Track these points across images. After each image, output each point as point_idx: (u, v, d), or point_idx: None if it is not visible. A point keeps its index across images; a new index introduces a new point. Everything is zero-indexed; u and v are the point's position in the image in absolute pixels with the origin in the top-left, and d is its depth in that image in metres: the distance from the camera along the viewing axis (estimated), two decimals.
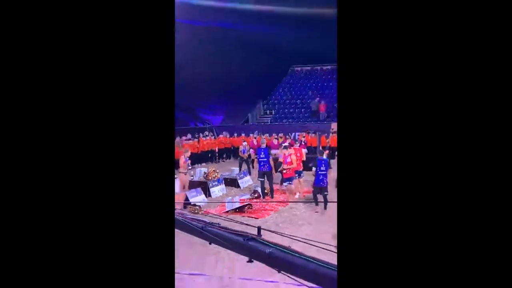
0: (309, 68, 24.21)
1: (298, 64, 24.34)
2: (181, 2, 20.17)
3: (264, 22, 22.15)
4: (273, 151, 10.49)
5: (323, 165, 8.04)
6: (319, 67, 23.77)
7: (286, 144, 10.38)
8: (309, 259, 1.73)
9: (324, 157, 8.49)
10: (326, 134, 14.75)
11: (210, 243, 2.28)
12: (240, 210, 8.14)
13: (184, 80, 17.46)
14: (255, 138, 14.62)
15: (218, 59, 21.45)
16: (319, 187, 7.88)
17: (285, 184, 8.61)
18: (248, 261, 2.14)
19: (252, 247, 2.01)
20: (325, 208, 7.77)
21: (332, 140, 14.25)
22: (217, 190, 9.95)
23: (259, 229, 2.15)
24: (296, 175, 9.06)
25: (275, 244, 1.93)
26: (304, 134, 14.86)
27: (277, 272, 1.90)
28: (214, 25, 21.87)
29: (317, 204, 7.98)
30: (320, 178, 7.94)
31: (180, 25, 19.14)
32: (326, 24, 17.88)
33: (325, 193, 7.91)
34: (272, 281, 4.85)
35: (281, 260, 1.85)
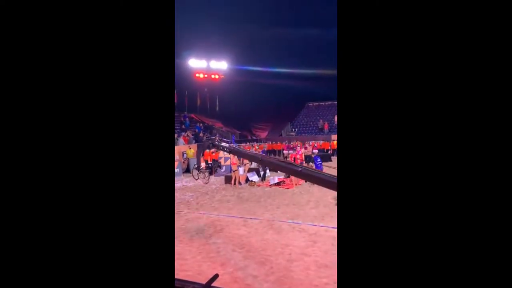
0: (317, 103, 32.53)
1: (311, 101, 32.86)
2: (239, 68, 29.72)
3: (290, 78, 29.73)
4: (285, 152, 18.42)
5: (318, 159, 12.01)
6: (323, 103, 32.07)
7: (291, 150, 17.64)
8: (321, 173, 2.99)
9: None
10: (328, 141, 23.41)
11: (305, 181, 4.82)
12: (277, 184, 11.75)
13: (245, 112, 28.44)
14: (286, 145, 22.00)
15: (267, 100, 29.76)
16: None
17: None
18: (286, 177, 6.72)
19: (290, 168, 3.55)
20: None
21: (332, 144, 22.72)
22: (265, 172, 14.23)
23: (294, 159, 7.60)
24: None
25: (303, 166, 3.09)
26: (315, 142, 23.09)
27: (304, 181, 5.59)
28: (260, 82, 29.53)
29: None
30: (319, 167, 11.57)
31: (242, 83, 28.66)
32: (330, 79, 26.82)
33: None
34: (296, 223, 6.80)
35: (305, 174, 3.13)
